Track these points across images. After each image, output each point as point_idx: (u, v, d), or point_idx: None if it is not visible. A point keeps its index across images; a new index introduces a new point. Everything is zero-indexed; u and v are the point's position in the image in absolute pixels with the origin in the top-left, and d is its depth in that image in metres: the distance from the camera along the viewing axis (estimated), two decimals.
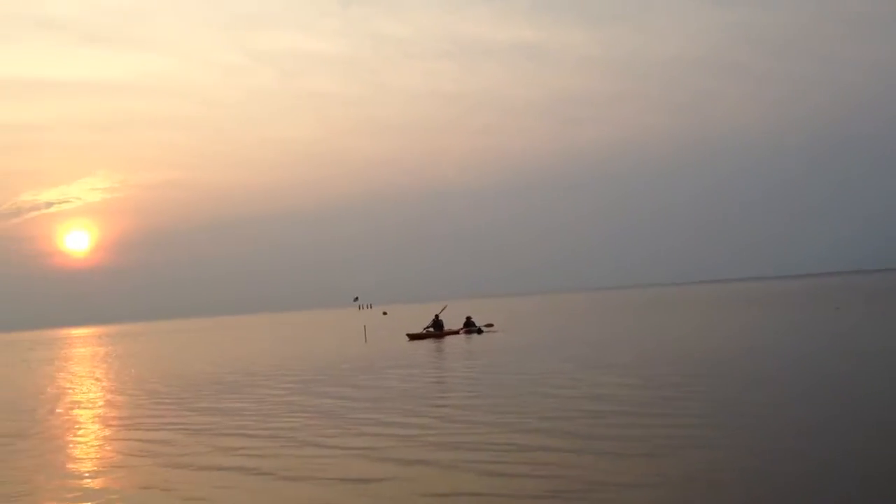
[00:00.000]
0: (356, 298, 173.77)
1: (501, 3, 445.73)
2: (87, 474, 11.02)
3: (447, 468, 9.63)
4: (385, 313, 50.88)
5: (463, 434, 11.91)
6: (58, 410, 19.85)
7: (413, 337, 40.73)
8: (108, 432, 15.27)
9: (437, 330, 42.07)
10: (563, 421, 12.38)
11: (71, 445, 13.97)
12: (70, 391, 25.27)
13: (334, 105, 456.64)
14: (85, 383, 28.29)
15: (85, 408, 20.08)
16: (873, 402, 12.48)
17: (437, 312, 45.41)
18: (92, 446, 13.67)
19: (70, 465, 11.90)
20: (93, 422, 17.13)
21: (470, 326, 44.64)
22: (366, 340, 43.11)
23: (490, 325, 45.73)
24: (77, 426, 16.49)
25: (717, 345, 25.24)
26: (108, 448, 13.33)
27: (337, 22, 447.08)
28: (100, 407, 20.07)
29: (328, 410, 15.71)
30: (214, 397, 19.95)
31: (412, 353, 31.17)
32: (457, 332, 42.91)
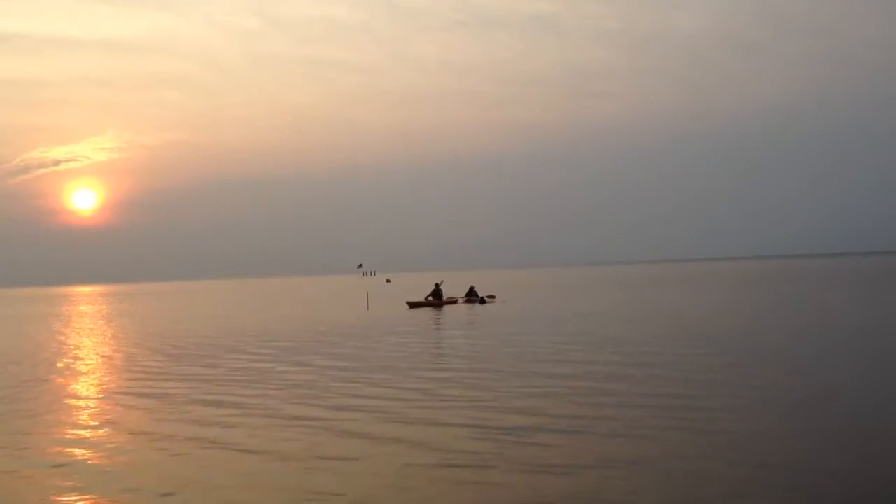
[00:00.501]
0: (360, 265, 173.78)
1: None
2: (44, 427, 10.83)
3: (411, 446, 9.18)
4: (388, 281, 50.72)
5: (427, 410, 11.40)
6: (39, 367, 19.65)
7: (413, 305, 40.61)
8: (82, 391, 15.08)
9: (436, 299, 42.08)
10: (540, 399, 11.96)
11: (33, 403, 13.76)
12: (62, 348, 25.11)
13: (347, 73, 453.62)
14: (78, 341, 28.16)
15: (67, 366, 19.88)
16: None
17: (437, 282, 45.30)
18: (60, 403, 13.47)
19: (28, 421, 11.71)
20: (70, 378, 16.94)
21: (472, 296, 44.54)
22: (368, 307, 43.03)
23: (492, 297, 45.59)
24: (48, 383, 16.30)
25: (727, 321, 24.99)
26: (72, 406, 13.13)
27: None
28: (84, 365, 19.86)
29: (309, 380, 15.32)
30: (201, 360, 19.56)
31: (410, 322, 31.00)
32: (455, 302, 42.81)
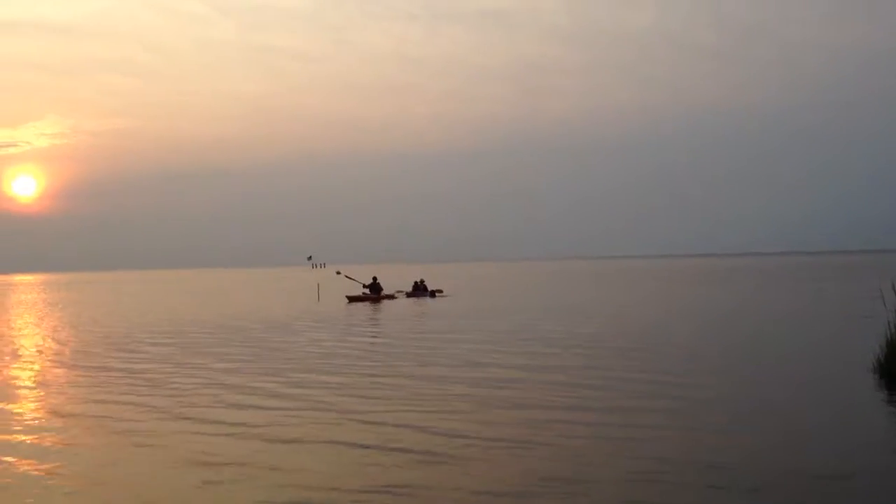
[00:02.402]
0: (310, 257, 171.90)
1: None
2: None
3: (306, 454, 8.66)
4: (339, 272, 50.73)
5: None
6: None
7: (352, 299, 40.46)
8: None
9: (373, 292, 41.59)
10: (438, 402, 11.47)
11: None
12: (6, 336, 25.14)
13: (293, 61, 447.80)
14: (14, 329, 28.13)
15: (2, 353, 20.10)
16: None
17: (374, 276, 44.79)
18: None
19: None
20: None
21: (419, 290, 45.06)
22: (318, 299, 43.43)
23: (440, 291, 46.14)
24: None
25: (660, 316, 26.21)
26: None
27: None
28: (16, 353, 20.12)
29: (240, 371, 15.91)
30: (128, 352, 19.54)
31: (356, 314, 31.63)
32: (393, 297, 42.60)
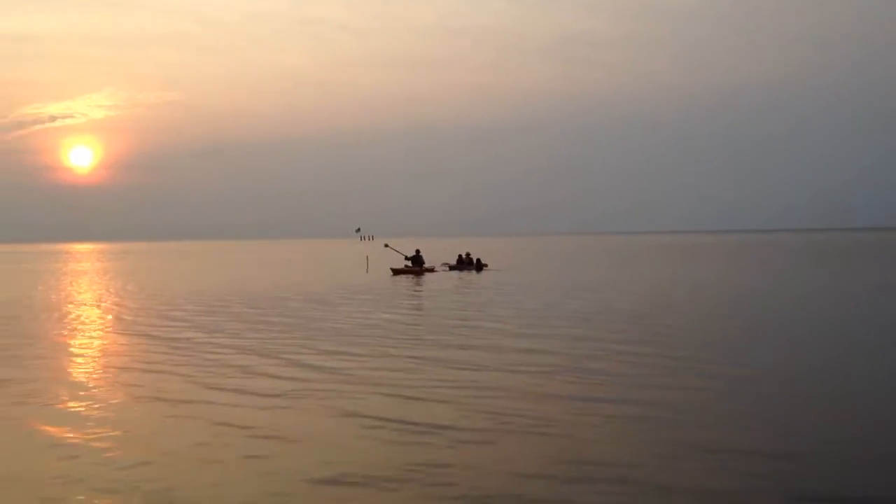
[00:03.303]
0: (358, 229, 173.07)
1: None
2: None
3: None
4: (387, 245, 50.83)
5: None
6: (43, 320, 20.16)
7: (396, 272, 40.59)
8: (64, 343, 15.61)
9: (415, 265, 41.65)
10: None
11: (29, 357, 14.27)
12: (61, 303, 25.59)
13: (339, 34, 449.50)
14: (76, 296, 28.64)
15: (65, 320, 20.39)
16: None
17: (417, 249, 44.88)
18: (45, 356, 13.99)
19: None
20: (68, 333, 17.46)
21: (465, 264, 44.80)
22: (367, 270, 43.50)
23: (486, 265, 45.78)
24: (50, 336, 16.83)
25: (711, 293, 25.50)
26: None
27: None
28: (78, 321, 20.37)
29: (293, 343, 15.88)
30: (172, 321, 19.64)
31: (400, 287, 31.52)
32: (433, 270, 42.29)
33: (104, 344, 15.65)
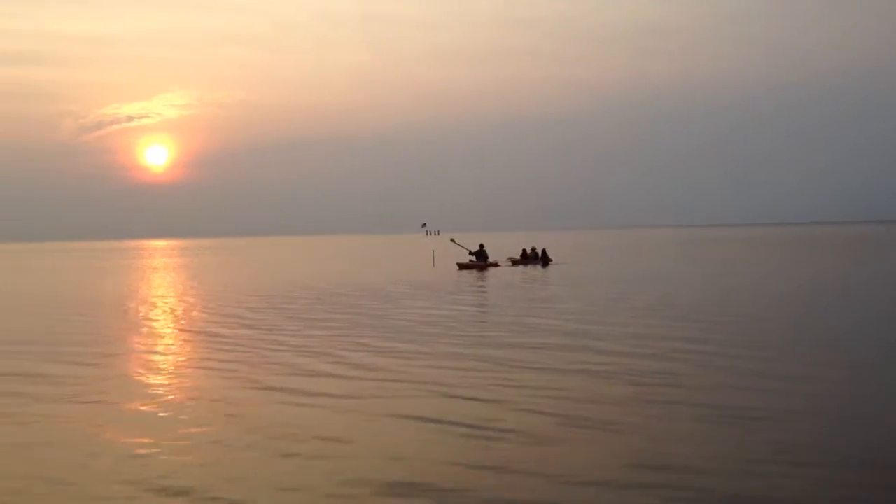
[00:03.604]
0: (424, 224, 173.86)
1: None
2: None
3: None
4: (453, 240, 50.87)
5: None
6: (137, 315, 20.67)
7: (462, 266, 40.68)
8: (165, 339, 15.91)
9: (479, 260, 41.60)
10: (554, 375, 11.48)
11: (133, 352, 14.58)
12: (133, 300, 26.24)
13: (406, 30, 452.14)
14: (161, 290, 29.37)
15: (155, 313, 20.88)
16: None
17: (481, 243, 44.69)
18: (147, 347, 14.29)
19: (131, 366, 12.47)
20: (156, 326, 17.85)
21: (531, 259, 44.35)
22: (434, 265, 43.66)
23: (550, 259, 45.02)
24: (142, 331, 17.22)
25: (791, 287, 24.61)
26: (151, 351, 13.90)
27: None
28: (171, 313, 20.82)
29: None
30: (236, 318, 20.08)
31: (466, 281, 31.38)
32: (496, 265, 41.76)
33: (168, 343, 15.92)
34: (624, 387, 10.12)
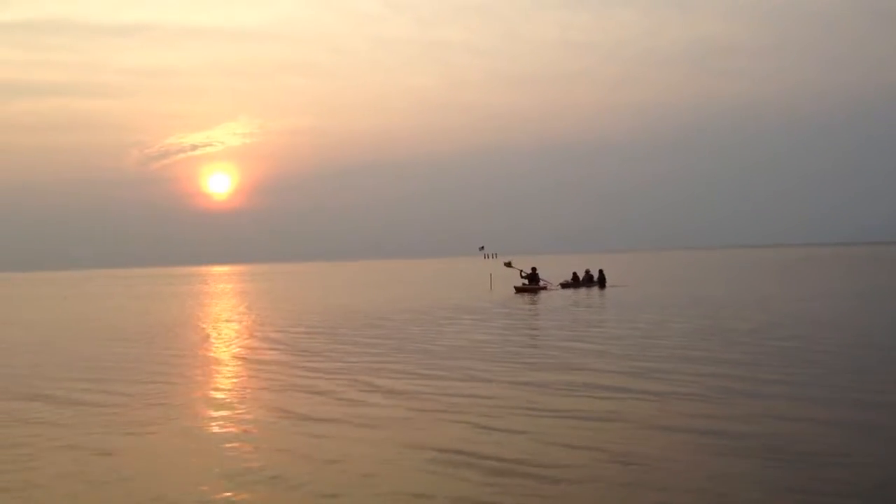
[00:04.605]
0: (482, 248, 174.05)
1: None
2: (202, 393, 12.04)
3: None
4: (508, 264, 51.04)
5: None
6: (199, 340, 21.39)
7: (519, 290, 41.13)
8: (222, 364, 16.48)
9: (532, 283, 41.89)
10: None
11: (196, 375, 15.15)
12: (197, 324, 27.06)
13: (463, 55, 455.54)
14: (225, 314, 30.21)
15: (218, 338, 21.56)
16: None
17: (533, 266, 44.80)
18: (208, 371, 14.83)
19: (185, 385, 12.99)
20: (220, 349, 18.45)
21: (586, 281, 44.25)
22: (491, 288, 44.15)
23: (611, 284, 44.74)
24: (205, 356, 17.85)
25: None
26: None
27: None
28: (234, 337, 21.48)
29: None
30: (287, 344, 20.68)
31: (520, 304, 31.51)
32: (546, 288, 41.78)
33: (227, 368, 16.42)
34: (677, 419, 10.00)
